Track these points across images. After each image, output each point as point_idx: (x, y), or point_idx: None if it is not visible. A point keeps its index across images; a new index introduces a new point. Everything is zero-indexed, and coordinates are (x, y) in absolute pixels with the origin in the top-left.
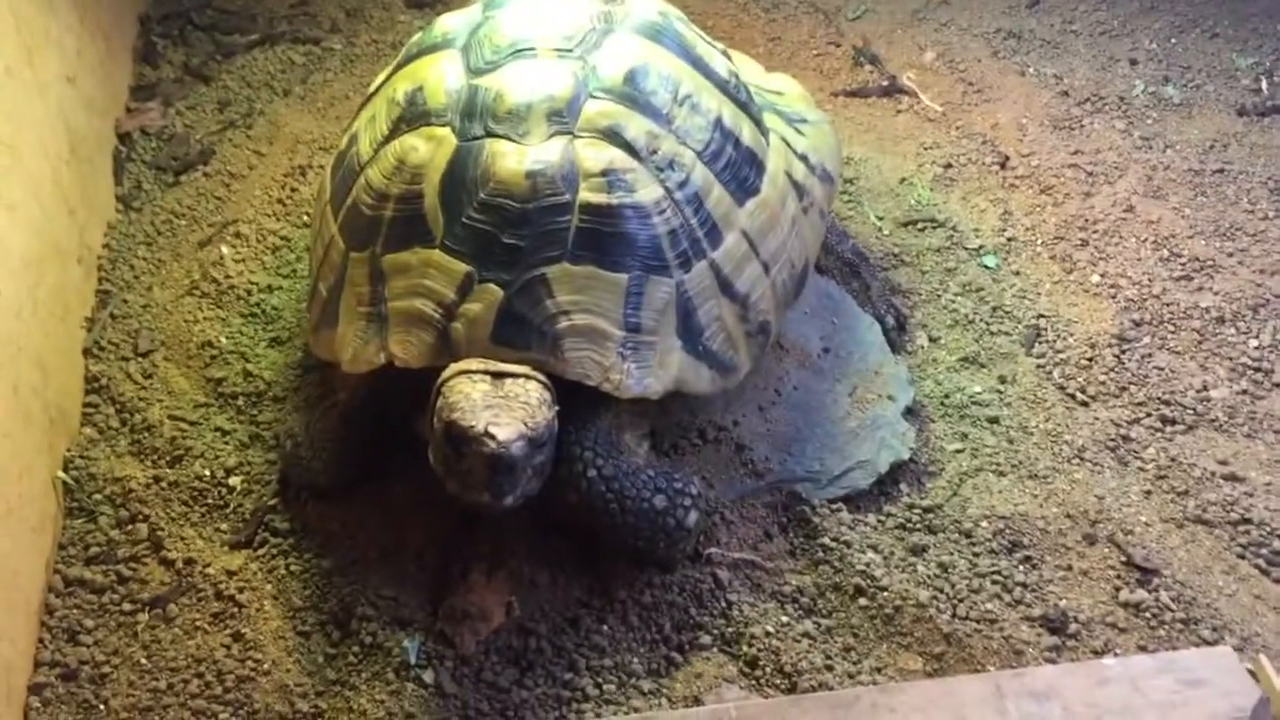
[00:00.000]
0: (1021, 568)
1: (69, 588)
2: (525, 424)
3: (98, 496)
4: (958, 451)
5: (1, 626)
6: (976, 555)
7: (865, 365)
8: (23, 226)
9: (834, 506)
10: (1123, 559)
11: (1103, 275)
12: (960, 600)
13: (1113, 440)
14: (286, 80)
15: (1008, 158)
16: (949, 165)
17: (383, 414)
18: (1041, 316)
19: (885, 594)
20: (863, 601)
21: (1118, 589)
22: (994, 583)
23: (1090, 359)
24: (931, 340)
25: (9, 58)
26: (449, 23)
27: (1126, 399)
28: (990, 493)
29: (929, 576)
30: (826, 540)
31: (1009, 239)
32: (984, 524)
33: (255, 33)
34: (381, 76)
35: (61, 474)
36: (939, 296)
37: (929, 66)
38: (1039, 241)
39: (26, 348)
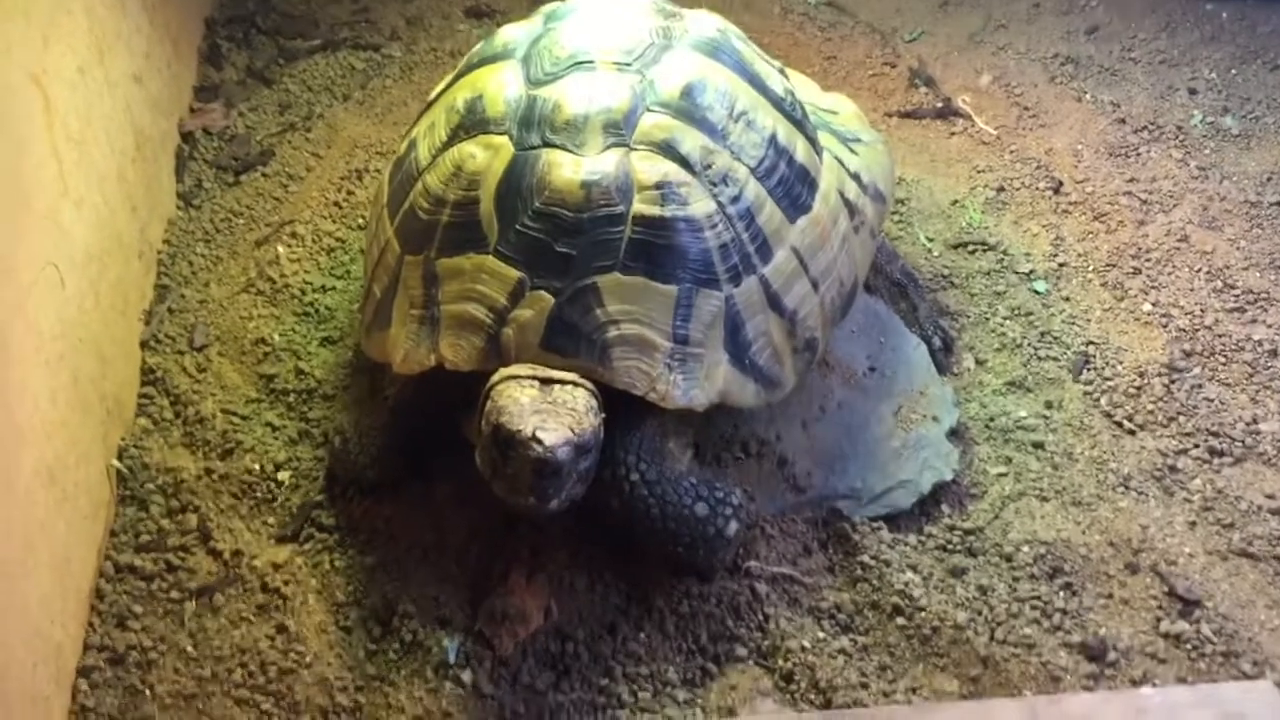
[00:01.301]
0: (1062, 594)
1: (119, 574)
2: (572, 430)
3: (150, 486)
4: (1001, 475)
5: (54, 609)
6: (1016, 579)
7: (910, 385)
8: (88, 221)
9: (874, 525)
10: (1165, 589)
11: (1154, 304)
12: (999, 624)
13: (1159, 470)
14: (346, 85)
15: (1061, 183)
16: (1001, 189)
17: (430, 415)
18: (1091, 343)
19: (923, 614)
20: (900, 621)
21: (1159, 619)
22: (1033, 608)
23: (1139, 388)
24: (978, 363)
25: (81, 57)
26: (510, 33)
27: (1175, 429)
28: (1033, 517)
29: (968, 599)
30: (866, 558)
31: (1060, 264)
32: (1025, 548)
33: (317, 38)
34: (442, 84)
35: (116, 462)
36: (987, 320)
37: (984, 90)
38: (1090, 268)
39: (87, 339)
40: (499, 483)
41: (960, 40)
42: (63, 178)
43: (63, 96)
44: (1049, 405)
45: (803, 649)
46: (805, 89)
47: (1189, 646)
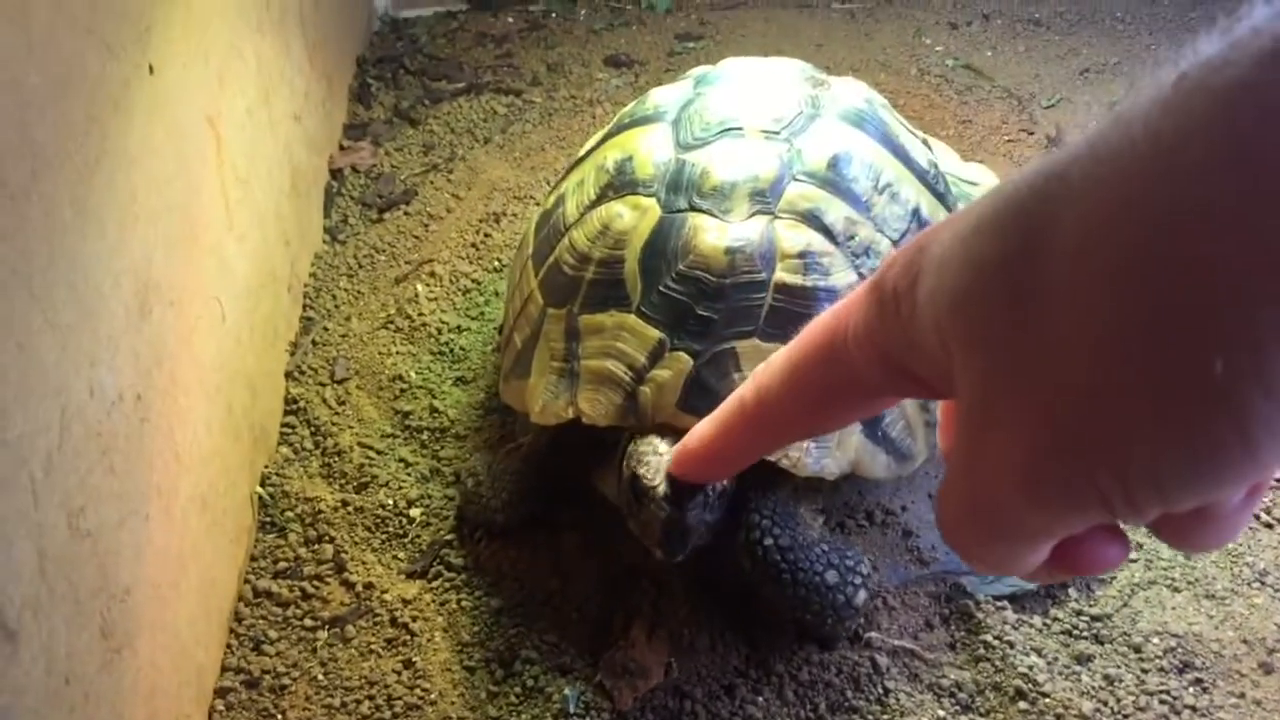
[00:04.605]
0: (1192, 689)
1: (257, 599)
2: (704, 492)
3: (289, 514)
4: (1131, 562)
5: (198, 631)
6: (1145, 671)
7: None
8: (248, 256)
9: (999, 604)
10: None
11: None
12: (1125, 716)
13: None
14: (487, 129)
15: None
16: None
17: (562, 465)
18: None
19: (1047, 700)
20: (1022, 705)
21: None
22: (1162, 702)
23: (1278, 480)
24: None
25: (250, 99)
26: (661, 96)
27: None
28: (1163, 608)
29: (1094, 687)
30: (989, 638)
31: None
32: (1155, 640)
33: (461, 81)
34: (591, 141)
35: (260, 489)
36: None
37: None
38: None
39: (241, 370)
40: (633, 522)
41: (1100, 109)
42: (229, 214)
43: (232, 137)
44: None
45: None
46: (947, 159)
47: None
